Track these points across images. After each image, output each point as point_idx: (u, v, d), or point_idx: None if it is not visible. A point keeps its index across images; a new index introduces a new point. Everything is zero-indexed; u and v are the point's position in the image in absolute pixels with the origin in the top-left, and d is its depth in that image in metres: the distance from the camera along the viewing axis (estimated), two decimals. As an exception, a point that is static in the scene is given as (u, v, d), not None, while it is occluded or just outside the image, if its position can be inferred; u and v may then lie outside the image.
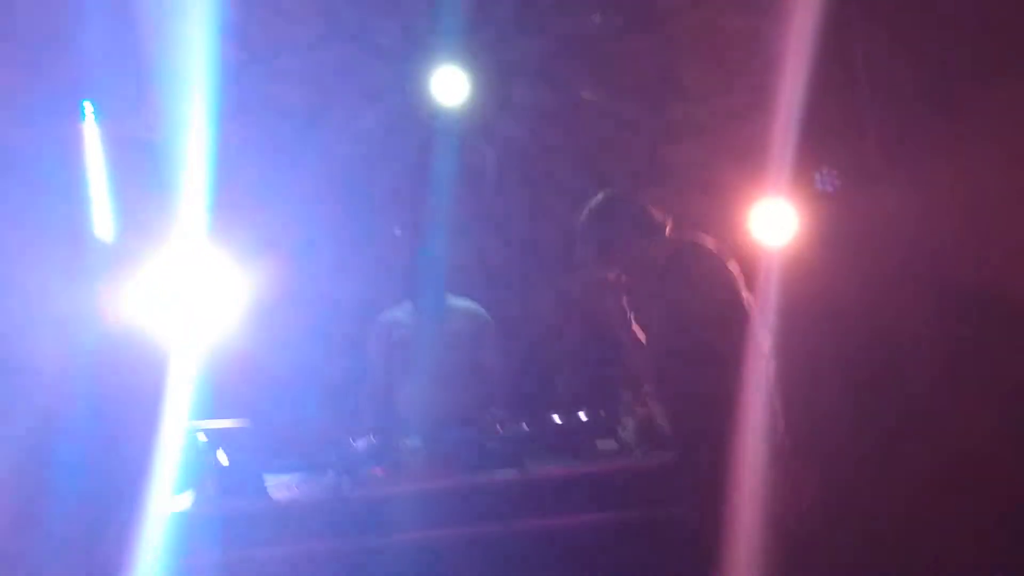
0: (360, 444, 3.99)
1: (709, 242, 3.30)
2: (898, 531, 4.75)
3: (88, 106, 4.37)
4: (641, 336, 3.37)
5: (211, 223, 4.23)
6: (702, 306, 3.01)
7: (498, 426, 4.05)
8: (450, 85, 5.21)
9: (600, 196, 3.49)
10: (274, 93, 5.31)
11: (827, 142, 4.71)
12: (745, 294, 3.22)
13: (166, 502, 3.87)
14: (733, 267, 3.28)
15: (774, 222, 4.45)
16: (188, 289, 4.18)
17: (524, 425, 4.10)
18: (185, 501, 3.89)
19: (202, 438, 3.84)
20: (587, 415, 4.16)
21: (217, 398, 4.83)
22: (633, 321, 3.45)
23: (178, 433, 4.01)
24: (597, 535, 3.71)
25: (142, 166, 4.44)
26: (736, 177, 4.44)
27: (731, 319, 3.10)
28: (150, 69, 4.38)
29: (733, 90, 4.95)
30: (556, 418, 4.17)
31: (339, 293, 5.14)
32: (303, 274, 5.06)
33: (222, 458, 3.87)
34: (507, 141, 5.37)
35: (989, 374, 4.68)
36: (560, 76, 5.29)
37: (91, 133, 4.36)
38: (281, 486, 3.94)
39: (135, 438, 4.39)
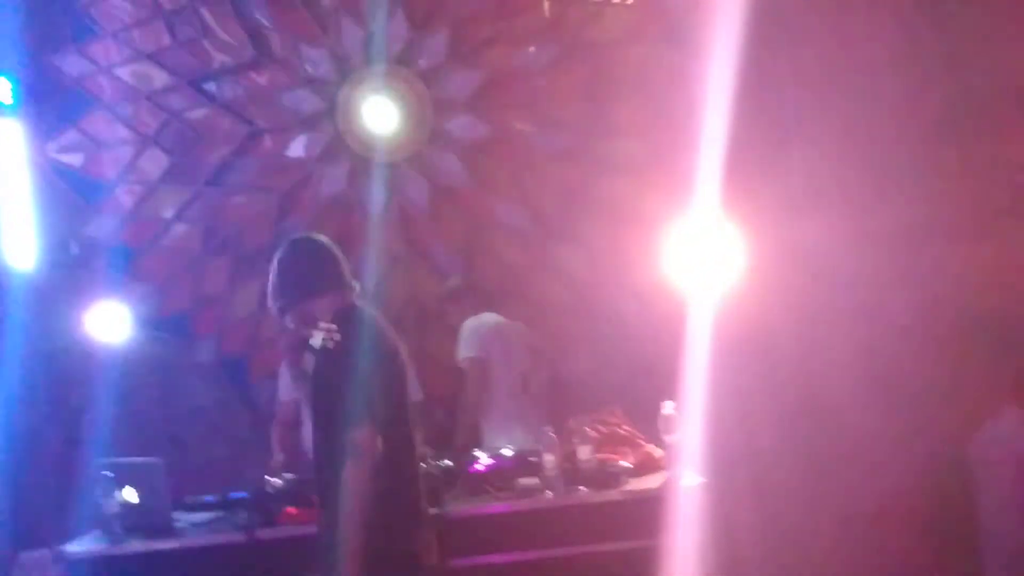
0: (274, 482, 3.88)
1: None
2: (828, 562, 4.76)
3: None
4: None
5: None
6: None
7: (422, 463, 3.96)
8: (382, 115, 5.18)
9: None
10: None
11: (754, 177, 4.73)
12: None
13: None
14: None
15: (701, 256, 4.45)
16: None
17: (447, 461, 4.03)
18: (91, 540, 3.75)
19: (108, 474, 3.70)
20: (512, 450, 4.11)
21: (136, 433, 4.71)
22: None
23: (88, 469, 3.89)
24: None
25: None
26: (664, 212, 4.43)
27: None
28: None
29: (662, 126, 4.96)
30: (479, 454, 4.11)
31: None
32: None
33: (130, 495, 3.73)
34: (438, 172, 5.32)
35: (918, 401, 4.74)
36: (493, 107, 5.27)
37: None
38: (191, 525, 3.81)
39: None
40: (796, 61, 4.98)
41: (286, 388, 4.47)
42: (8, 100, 4.89)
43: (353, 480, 2.90)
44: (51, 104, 5.06)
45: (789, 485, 4.80)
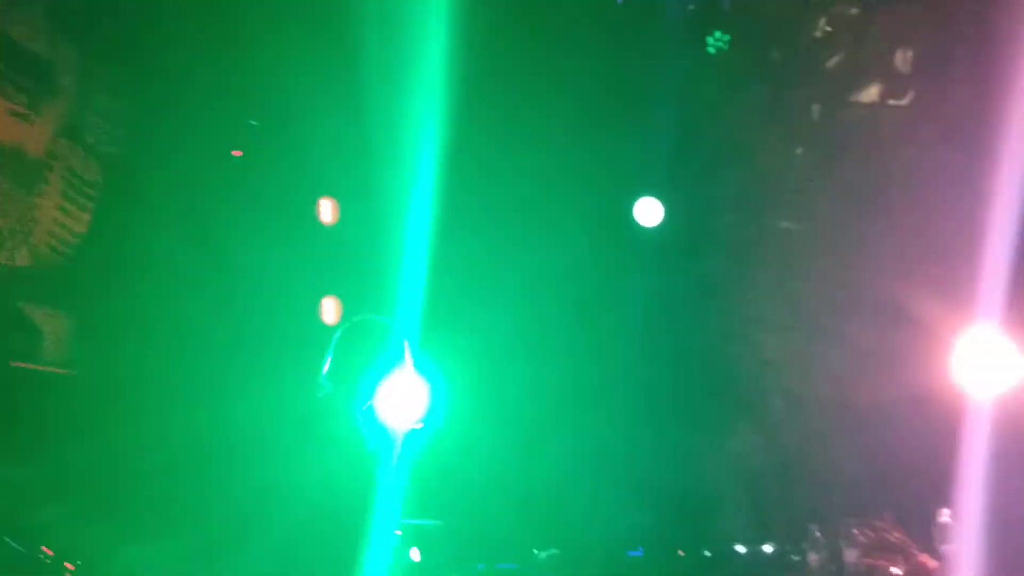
0: (542, 555, 4.10)
1: None
2: None
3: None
4: None
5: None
6: None
7: (680, 552, 4.07)
8: (651, 212, 5.45)
9: None
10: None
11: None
12: None
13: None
14: None
15: (981, 362, 4.30)
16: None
17: (706, 552, 4.10)
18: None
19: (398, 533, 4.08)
20: (772, 548, 4.11)
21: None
22: None
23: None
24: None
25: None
26: (942, 314, 4.33)
27: None
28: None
29: (938, 226, 4.87)
30: (739, 548, 4.14)
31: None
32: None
33: (415, 555, 4.09)
34: (704, 268, 5.49)
35: None
36: (758, 206, 5.41)
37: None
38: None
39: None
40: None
41: None
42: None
43: None
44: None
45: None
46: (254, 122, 5.41)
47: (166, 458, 4.45)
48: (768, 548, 4.10)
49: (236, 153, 5.57)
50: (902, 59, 5.26)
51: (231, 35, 4.92)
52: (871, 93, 5.36)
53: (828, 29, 5.34)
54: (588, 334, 5.26)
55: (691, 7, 5.54)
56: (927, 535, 3.81)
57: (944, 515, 3.75)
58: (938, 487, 3.92)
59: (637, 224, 5.46)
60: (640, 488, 4.65)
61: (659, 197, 5.46)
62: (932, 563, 3.87)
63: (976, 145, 4.62)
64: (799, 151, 5.44)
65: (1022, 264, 4.38)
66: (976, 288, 4.34)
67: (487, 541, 4.37)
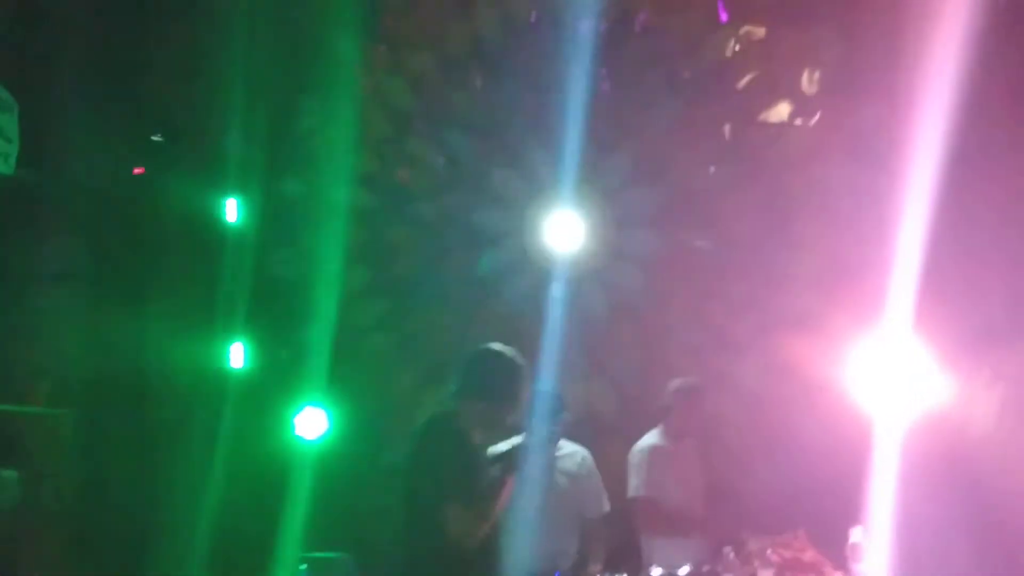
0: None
1: None
2: None
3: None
4: None
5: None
6: None
7: (597, 576, 3.99)
8: (566, 232, 5.41)
9: None
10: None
11: (948, 298, 4.58)
12: None
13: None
14: None
15: (890, 377, 4.32)
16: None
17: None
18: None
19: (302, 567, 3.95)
20: (688, 569, 4.05)
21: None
22: None
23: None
24: None
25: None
26: (849, 329, 4.36)
27: None
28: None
29: (847, 243, 4.92)
30: (654, 571, 4.07)
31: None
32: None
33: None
34: (617, 287, 5.47)
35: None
36: (672, 225, 5.41)
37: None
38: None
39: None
40: (994, 180, 4.84)
41: None
42: (235, 218, 5.50)
43: None
44: (272, 222, 5.62)
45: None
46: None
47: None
48: (682, 572, 4.02)
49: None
50: (808, 79, 5.34)
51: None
52: (780, 112, 5.43)
53: (737, 48, 5.40)
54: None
55: (603, 27, 5.53)
56: (840, 553, 3.79)
57: (856, 533, 3.74)
58: (850, 504, 3.91)
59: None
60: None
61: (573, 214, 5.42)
62: (845, 581, 3.86)
63: (882, 161, 4.69)
64: (712, 169, 5.47)
65: (931, 279, 4.44)
66: (886, 304, 4.39)
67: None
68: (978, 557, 4.39)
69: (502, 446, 3.77)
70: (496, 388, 3.48)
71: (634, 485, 4.65)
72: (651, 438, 4.74)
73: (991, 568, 4.34)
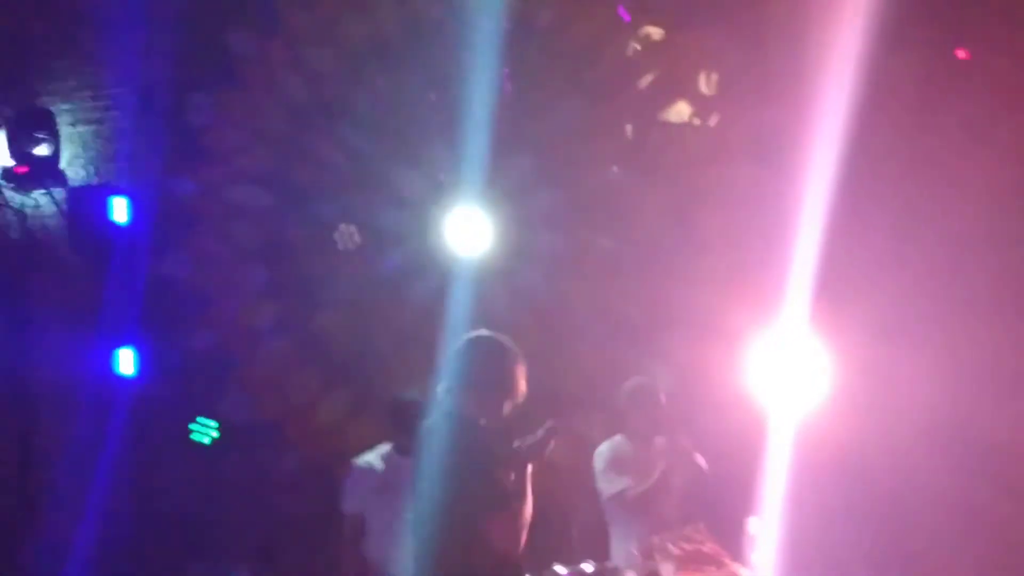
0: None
1: None
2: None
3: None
4: None
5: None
6: None
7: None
8: (469, 232, 5.36)
9: None
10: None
11: (843, 296, 4.68)
12: None
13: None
14: None
15: (786, 372, 4.39)
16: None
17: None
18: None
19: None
20: (592, 567, 4.03)
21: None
22: None
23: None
24: None
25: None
26: (748, 326, 4.42)
27: None
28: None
29: (747, 241, 5.00)
30: (559, 569, 4.04)
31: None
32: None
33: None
34: (522, 287, 5.44)
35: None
36: (575, 224, 5.41)
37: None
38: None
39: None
40: (888, 181, 4.96)
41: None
42: (124, 218, 5.28)
43: None
44: (162, 222, 5.42)
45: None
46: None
47: None
48: (588, 568, 4.00)
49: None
50: (707, 80, 5.42)
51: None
52: (680, 113, 5.48)
53: (637, 48, 5.44)
54: (405, 354, 5.11)
55: (506, 25, 5.51)
56: (739, 544, 3.82)
57: (752, 524, 3.78)
58: (748, 496, 3.96)
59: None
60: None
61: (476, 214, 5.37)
62: (744, 572, 3.89)
63: (781, 163, 4.78)
64: (614, 169, 5.49)
65: (827, 278, 4.54)
66: (784, 301, 4.46)
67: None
68: (863, 545, 4.52)
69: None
70: (496, 376, 3.26)
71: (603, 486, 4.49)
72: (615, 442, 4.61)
73: (876, 555, 4.47)
